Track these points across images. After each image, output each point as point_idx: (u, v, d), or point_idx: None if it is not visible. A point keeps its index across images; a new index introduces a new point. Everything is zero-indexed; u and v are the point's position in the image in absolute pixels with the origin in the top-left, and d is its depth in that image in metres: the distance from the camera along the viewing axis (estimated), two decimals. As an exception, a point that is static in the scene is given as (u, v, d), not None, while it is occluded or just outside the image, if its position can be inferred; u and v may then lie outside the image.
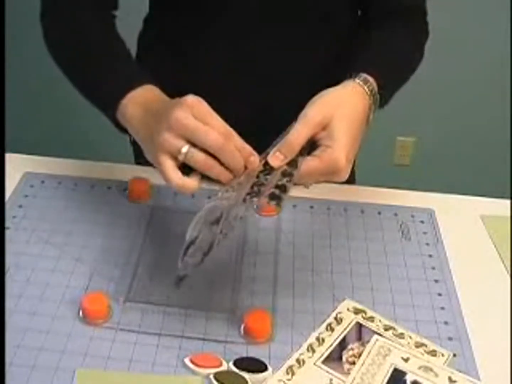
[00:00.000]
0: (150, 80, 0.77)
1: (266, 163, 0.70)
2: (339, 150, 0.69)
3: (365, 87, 0.77)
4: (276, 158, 0.69)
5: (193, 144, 0.66)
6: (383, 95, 0.80)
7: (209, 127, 0.65)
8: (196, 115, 0.66)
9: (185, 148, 0.65)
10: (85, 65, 0.82)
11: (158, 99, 0.74)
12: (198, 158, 0.66)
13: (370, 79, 0.78)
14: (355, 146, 0.72)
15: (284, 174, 0.69)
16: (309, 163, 0.69)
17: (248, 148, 0.68)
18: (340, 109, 0.71)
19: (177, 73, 0.97)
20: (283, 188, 0.68)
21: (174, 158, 0.66)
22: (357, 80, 0.77)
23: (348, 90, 0.76)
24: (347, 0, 0.94)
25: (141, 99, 0.74)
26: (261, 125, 0.94)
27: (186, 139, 0.66)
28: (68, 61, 0.86)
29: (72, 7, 0.86)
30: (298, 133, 0.69)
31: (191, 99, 0.67)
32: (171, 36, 0.97)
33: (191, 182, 0.66)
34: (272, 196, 0.67)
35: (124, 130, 0.78)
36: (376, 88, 0.78)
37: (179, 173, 0.66)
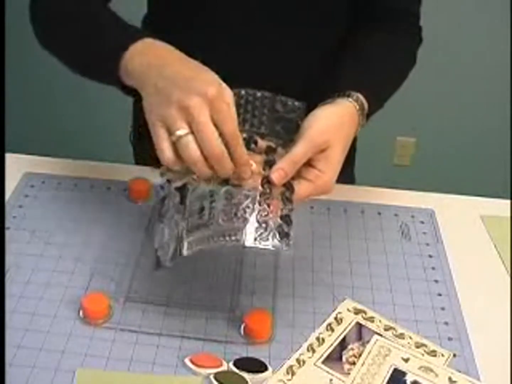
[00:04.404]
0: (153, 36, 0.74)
1: (264, 182, 0.70)
2: (332, 176, 0.72)
3: (357, 107, 0.78)
4: (279, 174, 0.69)
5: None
6: (371, 111, 0.82)
7: (216, 132, 0.64)
8: (213, 111, 0.64)
9: (182, 131, 0.64)
10: (80, 35, 0.80)
11: (174, 57, 0.71)
12: (190, 148, 0.64)
13: (362, 98, 0.79)
14: (341, 165, 0.75)
15: (283, 199, 0.70)
16: (303, 189, 0.71)
17: (245, 158, 0.67)
18: (338, 134, 0.73)
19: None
20: (288, 220, 0.68)
21: (169, 133, 0.65)
22: (350, 99, 0.78)
23: (345, 111, 0.77)
24: (346, 2, 0.93)
25: (148, 51, 0.72)
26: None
27: (189, 126, 0.64)
28: (59, 37, 0.83)
29: None
30: (301, 153, 0.70)
31: (214, 93, 0.64)
32: (170, 35, 0.97)
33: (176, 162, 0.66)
34: (281, 234, 0.67)
35: (129, 91, 0.74)
36: (366, 107, 0.79)
37: (170, 147, 0.65)
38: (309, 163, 0.72)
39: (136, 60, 0.71)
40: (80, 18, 0.81)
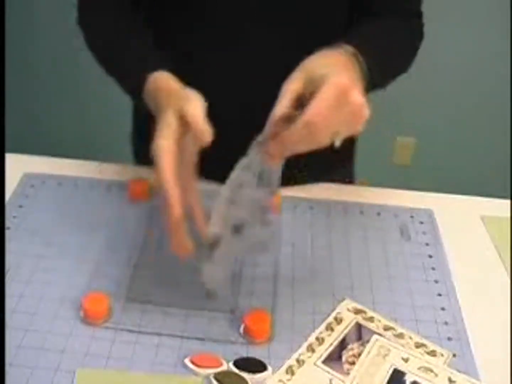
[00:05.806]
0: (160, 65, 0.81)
1: None
2: (338, 75, 0.65)
3: (352, 57, 0.74)
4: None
5: None
6: (373, 73, 0.76)
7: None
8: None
9: None
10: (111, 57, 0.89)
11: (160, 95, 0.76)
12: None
13: (352, 49, 0.75)
14: (356, 83, 0.68)
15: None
16: (316, 102, 0.63)
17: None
18: (327, 66, 0.68)
19: (177, 73, 0.97)
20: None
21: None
22: (343, 49, 0.74)
23: (328, 52, 0.73)
24: (346, 2, 0.93)
25: (151, 87, 0.79)
26: (255, 125, 0.94)
27: None
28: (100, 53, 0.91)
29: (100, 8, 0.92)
30: (278, 106, 0.67)
31: (155, 156, 0.68)
32: (170, 36, 0.97)
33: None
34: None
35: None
36: (363, 62, 0.75)
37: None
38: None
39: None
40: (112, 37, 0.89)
